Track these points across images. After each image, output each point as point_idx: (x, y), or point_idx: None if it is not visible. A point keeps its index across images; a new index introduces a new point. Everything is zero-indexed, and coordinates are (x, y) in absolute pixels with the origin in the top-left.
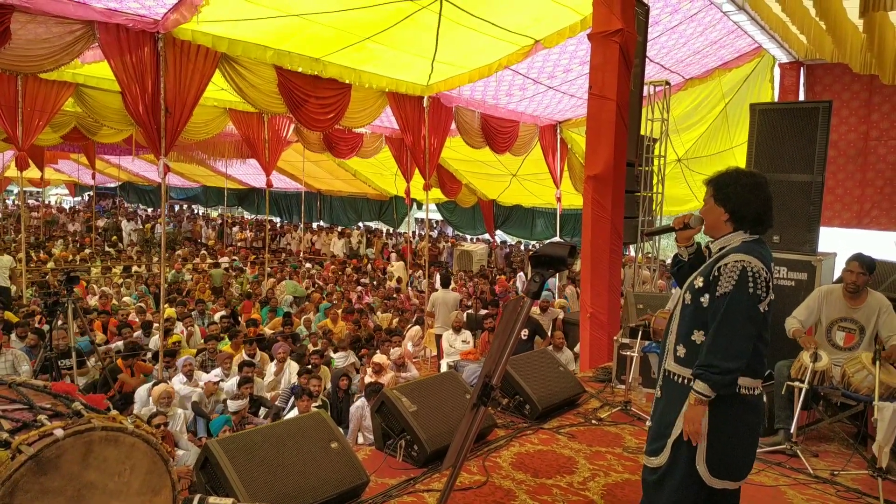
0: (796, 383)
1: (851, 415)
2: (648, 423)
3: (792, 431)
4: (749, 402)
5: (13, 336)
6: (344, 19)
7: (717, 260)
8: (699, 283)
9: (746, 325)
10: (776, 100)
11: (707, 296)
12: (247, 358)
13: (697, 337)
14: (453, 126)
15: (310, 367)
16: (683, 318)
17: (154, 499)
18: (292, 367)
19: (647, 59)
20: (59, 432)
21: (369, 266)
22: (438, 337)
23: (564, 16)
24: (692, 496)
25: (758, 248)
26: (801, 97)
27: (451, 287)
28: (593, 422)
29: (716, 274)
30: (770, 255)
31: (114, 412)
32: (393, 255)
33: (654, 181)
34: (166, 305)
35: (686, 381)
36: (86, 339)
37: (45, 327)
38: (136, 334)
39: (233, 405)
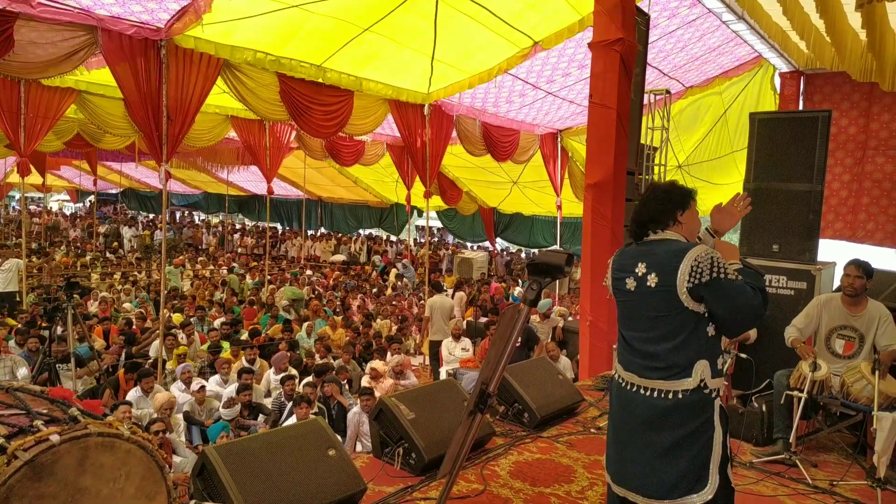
0: (795, 392)
1: (851, 424)
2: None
3: (791, 441)
4: (613, 385)
5: (12, 342)
6: (342, 7)
7: None
8: None
9: None
10: (778, 108)
11: None
12: (246, 365)
13: None
14: (454, 134)
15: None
16: None
17: None
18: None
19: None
20: (54, 438)
21: (373, 273)
22: (436, 344)
23: (561, 10)
24: None
25: (626, 247)
26: (801, 107)
27: (444, 292)
28: (592, 430)
29: None
30: (634, 254)
31: (110, 418)
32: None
33: None
34: (167, 311)
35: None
36: (85, 346)
37: (45, 333)
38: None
39: (225, 413)
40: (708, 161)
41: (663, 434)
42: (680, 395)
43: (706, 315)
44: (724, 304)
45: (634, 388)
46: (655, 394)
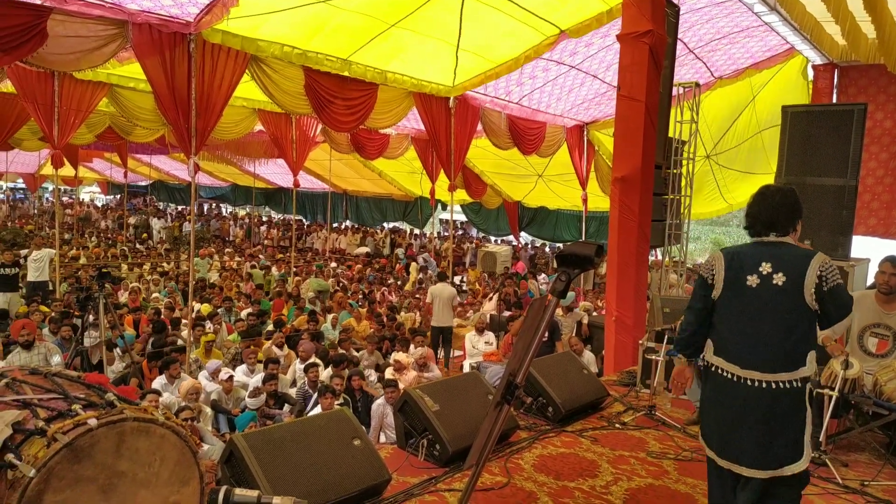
0: (826, 391)
1: (883, 424)
2: None
3: (821, 440)
4: (717, 379)
5: (45, 330)
6: (369, 3)
7: None
8: None
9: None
10: (810, 98)
11: None
12: (275, 349)
13: None
14: (480, 127)
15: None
16: None
17: (182, 489)
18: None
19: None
20: (92, 422)
21: (397, 266)
22: (436, 329)
23: (590, 1)
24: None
25: (739, 247)
26: (835, 100)
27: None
28: (617, 426)
29: None
30: (755, 254)
31: (144, 403)
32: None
33: (683, 184)
34: (195, 302)
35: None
36: (129, 335)
37: (78, 321)
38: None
39: (251, 402)
40: (735, 147)
41: (778, 418)
42: (797, 384)
43: (817, 312)
44: (838, 306)
45: (756, 384)
46: (775, 385)
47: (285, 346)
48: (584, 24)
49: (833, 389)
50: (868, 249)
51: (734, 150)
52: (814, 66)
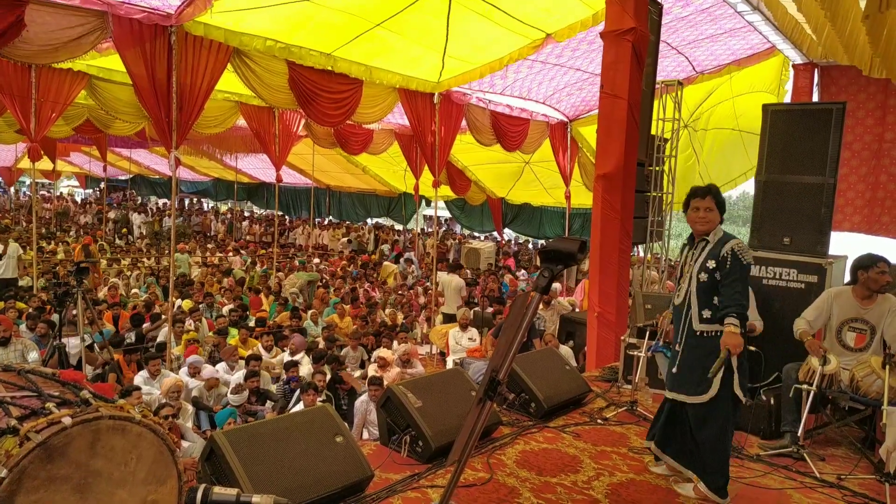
0: (804, 386)
1: (860, 419)
2: (666, 373)
3: (799, 435)
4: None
5: (23, 326)
6: (354, 3)
7: (719, 246)
8: (711, 264)
9: (749, 283)
10: (787, 92)
11: (720, 272)
12: (264, 353)
13: (717, 300)
14: (464, 123)
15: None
16: (702, 292)
17: (160, 488)
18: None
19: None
20: (66, 420)
21: (384, 262)
22: (446, 318)
23: (576, 8)
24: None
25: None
26: (815, 98)
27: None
28: (599, 421)
29: (725, 255)
30: None
31: (121, 401)
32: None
33: (665, 181)
34: (176, 298)
35: (716, 333)
36: (108, 330)
37: (54, 317)
38: (145, 326)
39: (234, 399)
40: (709, 109)
41: None
42: None
43: None
44: None
45: None
46: None
47: (274, 346)
48: (569, 27)
49: (811, 385)
50: (846, 246)
51: (707, 111)
52: (794, 66)
